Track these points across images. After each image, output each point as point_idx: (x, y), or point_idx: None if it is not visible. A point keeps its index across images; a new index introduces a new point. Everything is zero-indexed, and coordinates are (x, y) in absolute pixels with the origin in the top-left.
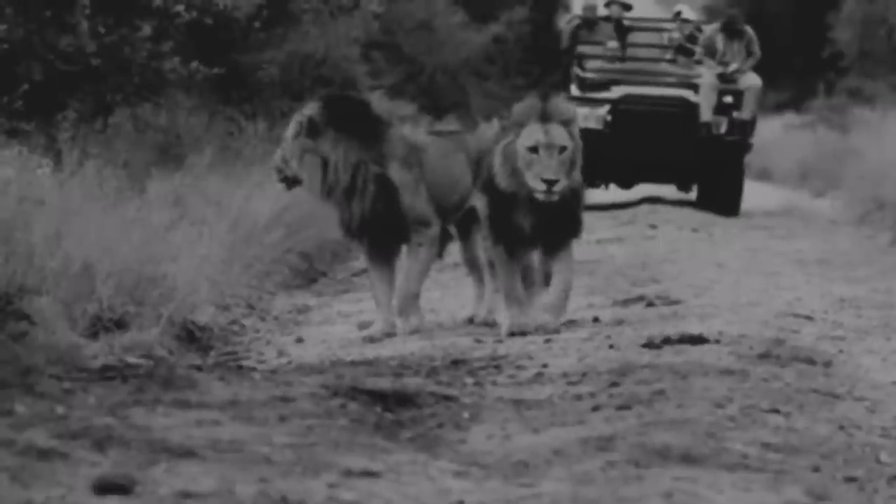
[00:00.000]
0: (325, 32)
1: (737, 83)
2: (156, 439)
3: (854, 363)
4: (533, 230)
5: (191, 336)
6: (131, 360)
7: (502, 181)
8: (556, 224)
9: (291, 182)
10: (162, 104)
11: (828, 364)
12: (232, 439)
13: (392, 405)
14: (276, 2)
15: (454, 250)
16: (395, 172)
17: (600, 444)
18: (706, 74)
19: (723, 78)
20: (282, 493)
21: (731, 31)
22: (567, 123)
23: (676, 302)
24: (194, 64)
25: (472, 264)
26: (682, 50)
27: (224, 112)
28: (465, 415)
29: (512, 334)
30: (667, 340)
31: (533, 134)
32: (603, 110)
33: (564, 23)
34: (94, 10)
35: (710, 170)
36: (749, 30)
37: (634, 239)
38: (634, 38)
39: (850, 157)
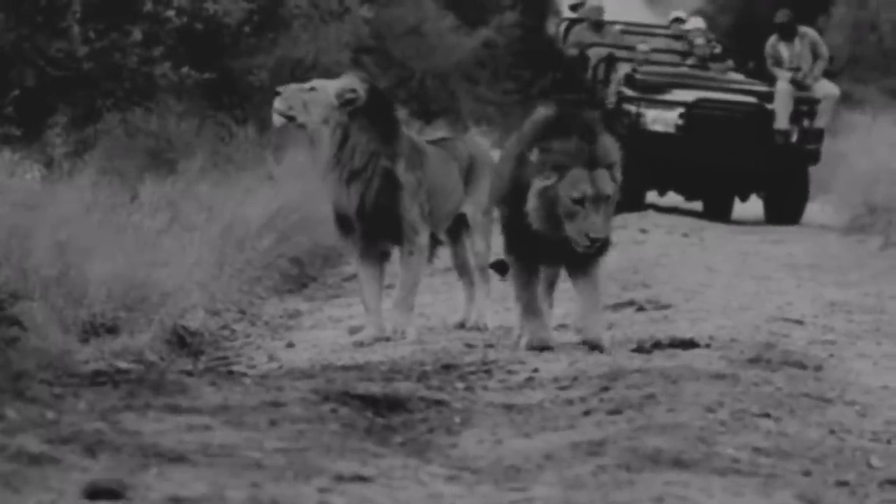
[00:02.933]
0: (316, 37)
1: (813, 91)
2: (147, 444)
3: (845, 367)
4: (561, 256)
5: (182, 341)
6: (122, 365)
7: (535, 223)
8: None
9: (289, 120)
10: (153, 109)
11: (818, 368)
12: (223, 444)
13: (383, 410)
14: (266, 7)
15: (445, 255)
16: (402, 172)
17: (591, 449)
18: (781, 81)
19: (797, 85)
20: (273, 497)
21: (788, 35)
22: (611, 166)
23: (667, 306)
24: (185, 69)
25: (463, 269)
26: (714, 57)
27: (215, 117)
28: (457, 419)
29: (532, 349)
30: (657, 345)
31: (579, 183)
32: (674, 113)
33: (557, 26)
34: (85, 15)
35: (778, 178)
36: (809, 31)
37: (625, 243)
38: (651, 42)
39: (841, 162)
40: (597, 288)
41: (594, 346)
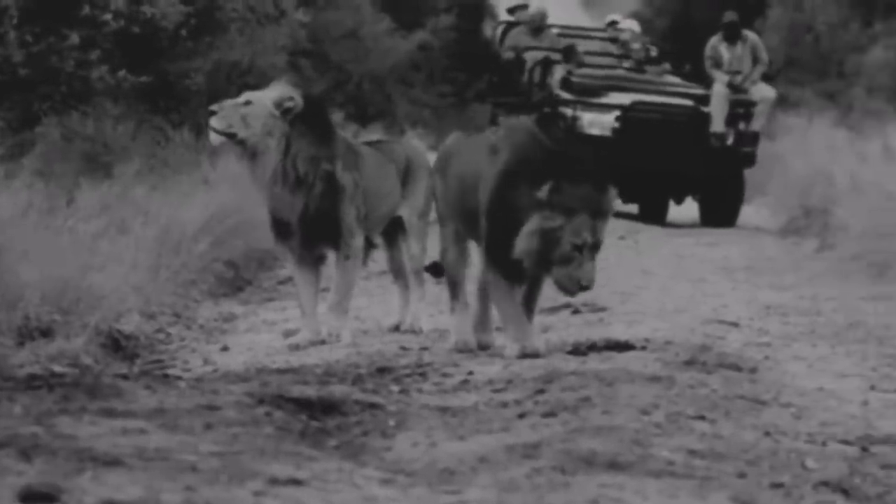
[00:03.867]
0: (252, 41)
1: (749, 94)
2: (82, 448)
3: (780, 370)
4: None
5: (117, 345)
6: (57, 368)
7: (525, 259)
8: None
9: (230, 137)
10: (89, 113)
11: (754, 370)
12: (158, 448)
13: (318, 413)
14: (203, 10)
15: (380, 258)
16: (341, 173)
17: (526, 452)
18: (717, 84)
19: (734, 88)
20: (207, 501)
21: (732, 37)
22: (607, 215)
23: (603, 309)
24: (122, 72)
25: (398, 272)
26: (650, 60)
27: (151, 121)
28: (391, 422)
29: (524, 356)
30: (593, 347)
31: (582, 230)
32: (610, 116)
33: (493, 29)
34: (22, 19)
35: (714, 181)
36: (752, 35)
37: None
38: (587, 46)
39: (777, 164)
40: (538, 298)
41: (528, 355)
